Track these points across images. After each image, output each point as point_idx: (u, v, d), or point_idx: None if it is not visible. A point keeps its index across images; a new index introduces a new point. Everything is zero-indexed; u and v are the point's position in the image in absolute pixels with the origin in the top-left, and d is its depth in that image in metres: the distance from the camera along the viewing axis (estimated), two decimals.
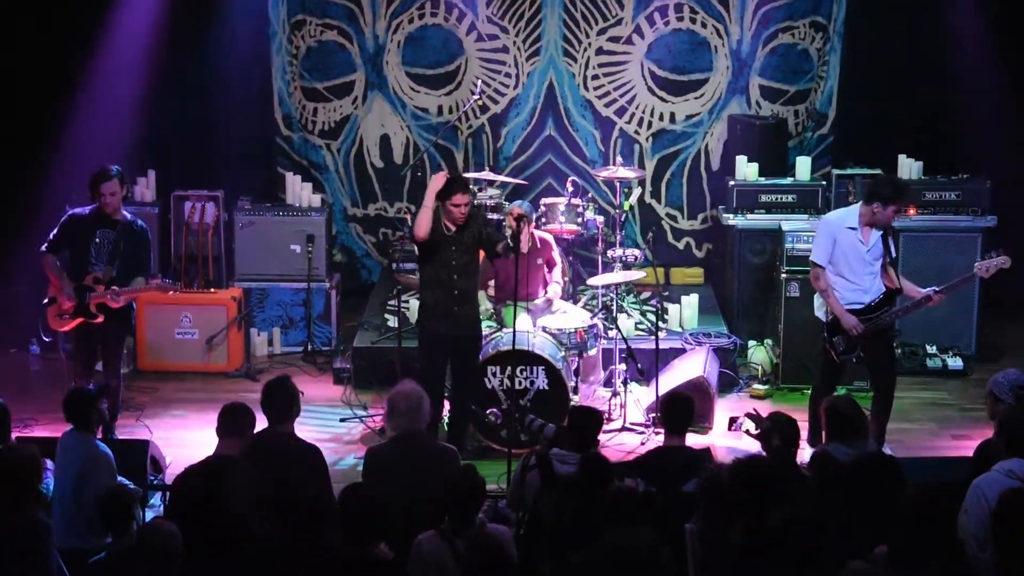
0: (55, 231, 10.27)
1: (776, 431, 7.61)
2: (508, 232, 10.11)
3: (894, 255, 9.91)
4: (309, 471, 7.90)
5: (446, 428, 10.16)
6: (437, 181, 9.65)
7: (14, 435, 8.72)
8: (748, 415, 7.82)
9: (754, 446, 7.94)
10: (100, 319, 10.10)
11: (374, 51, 13.67)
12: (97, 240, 10.14)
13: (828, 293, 9.79)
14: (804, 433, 8.69)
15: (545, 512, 7.28)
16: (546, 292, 11.19)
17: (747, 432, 7.69)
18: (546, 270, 11.27)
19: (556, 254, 11.34)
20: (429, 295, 9.89)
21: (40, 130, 12.90)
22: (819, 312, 9.93)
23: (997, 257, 9.76)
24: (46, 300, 10.26)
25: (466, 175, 11.92)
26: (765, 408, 9.53)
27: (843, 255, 9.78)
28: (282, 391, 8.16)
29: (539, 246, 11.13)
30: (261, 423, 8.13)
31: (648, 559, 5.96)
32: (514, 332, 9.75)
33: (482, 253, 10.06)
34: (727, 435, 9.35)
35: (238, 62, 13.41)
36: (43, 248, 10.24)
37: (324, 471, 8.05)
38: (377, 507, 6.69)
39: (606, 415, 10.81)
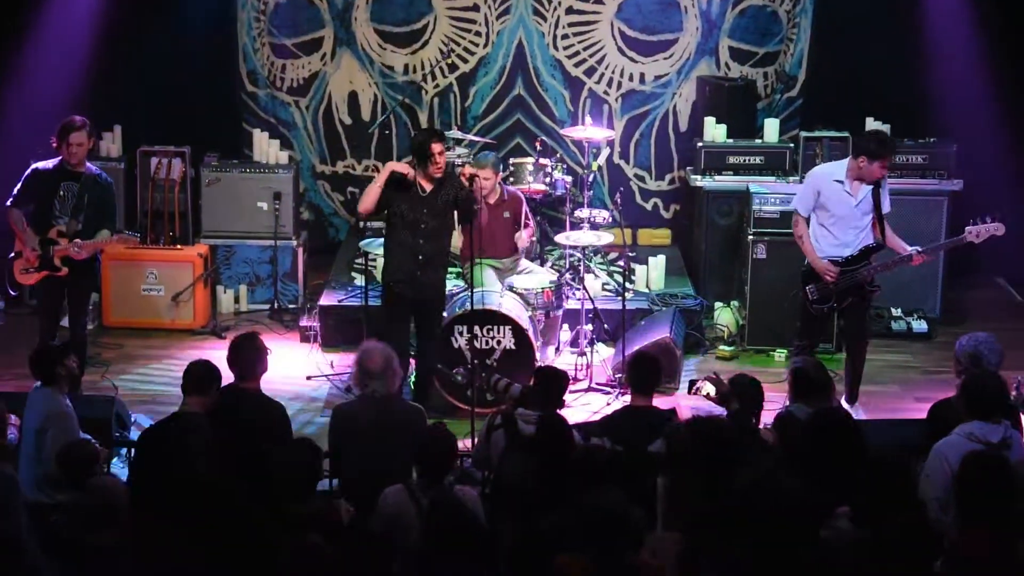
0: (19, 185, 10.21)
1: (735, 395, 7.64)
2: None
3: (887, 210, 9.93)
4: (272, 427, 7.91)
5: (411, 387, 10.16)
6: (391, 167, 9.73)
7: None
8: (708, 379, 7.85)
9: (717, 408, 7.98)
10: (64, 272, 10.06)
11: (343, 7, 13.57)
12: (61, 193, 10.08)
13: (803, 240, 9.87)
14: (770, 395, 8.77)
15: (510, 471, 7.29)
16: (516, 250, 11.15)
17: (707, 396, 7.72)
18: (517, 228, 11.20)
19: (526, 211, 11.26)
20: (393, 258, 9.89)
21: (1, 85, 12.79)
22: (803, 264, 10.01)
23: (991, 223, 9.76)
24: (12, 254, 10.20)
25: None
26: (730, 370, 9.59)
27: (828, 207, 9.82)
28: (250, 347, 8.17)
29: (506, 199, 11.11)
30: (227, 380, 8.13)
31: (618, 519, 5.97)
32: (472, 290, 9.77)
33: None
34: (689, 398, 9.37)
35: (204, 17, 13.31)
36: (7, 203, 10.18)
37: (287, 428, 8.06)
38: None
39: (572, 375, 10.84)
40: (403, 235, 9.79)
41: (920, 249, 9.85)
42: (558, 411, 7.76)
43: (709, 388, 7.67)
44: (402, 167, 9.80)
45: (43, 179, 10.13)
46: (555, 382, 7.97)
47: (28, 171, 10.29)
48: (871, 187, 9.80)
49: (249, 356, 8.15)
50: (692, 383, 7.97)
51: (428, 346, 10.07)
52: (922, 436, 7.86)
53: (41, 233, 10.06)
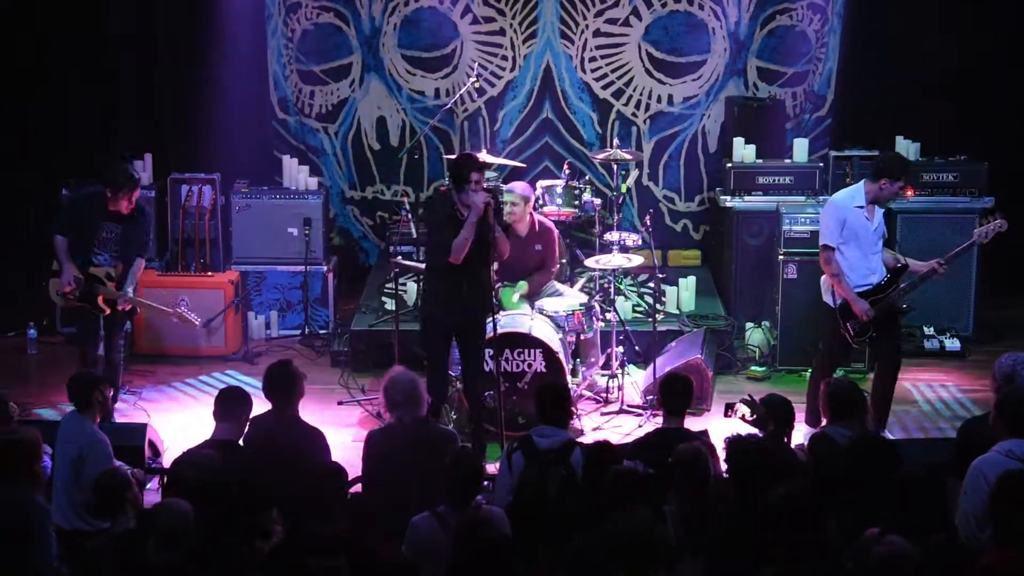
0: (63, 215, 10.31)
1: (771, 416, 7.61)
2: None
3: (885, 234, 9.93)
4: (313, 454, 7.91)
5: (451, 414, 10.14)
6: (476, 208, 9.26)
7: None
8: (743, 401, 7.82)
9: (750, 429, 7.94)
10: (106, 312, 10.10)
11: (370, 33, 13.64)
12: (104, 234, 10.12)
13: (840, 278, 9.72)
14: (800, 415, 8.74)
15: (527, 486, 7.32)
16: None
17: (743, 418, 7.69)
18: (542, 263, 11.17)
19: (557, 247, 11.17)
20: (436, 284, 9.61)
21: (34, 114, 12.88)
22: (826, 296, 9.87)
23: (994, 221, 9.78)
24: (52, 272, 10.28)
25: None
26: (762, 391, 9.54)
27: (853, 236, 9.77)
28: (283, 375, 8.16)
29: (537, 230, 11.09)
30: (259, 407, 8.14)
31: (648, 540, 5.96)
32: (493, 316, 9.72)
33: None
34: (724, 421, 9.36)
35: (234, 45, 13.37)
36: (56, 231, 10.16)
37: (327, 454, 8.06)
38: None
39: (604, 396, 10.84)
40: (448, 262, 9.41)
41: (941, 260, 9.79)
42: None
43: (745, 410, 7.64)
44: (480, 203, 9.32)
45: (86, 214, 10.15)
46: (549, 394, 8.00)
47: (69, 202, 10.29)
48: (883, 211, 9.79)
49: (283, 384, 8.14)
50: (729, 406, 7.95)
51: (472, 369, 9.84)
52: (955, 454, 7.81)
53: (82, 266, 10.05)
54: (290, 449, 7.83)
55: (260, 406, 8.18)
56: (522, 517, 6.78)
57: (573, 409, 10.29)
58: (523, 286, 10.92)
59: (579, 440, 8.06)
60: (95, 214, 10.12)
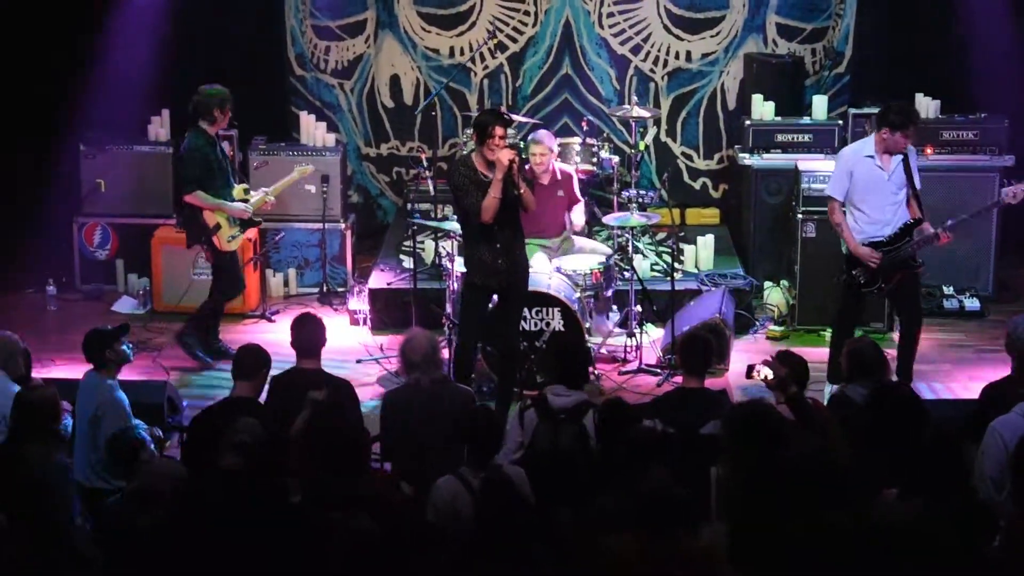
0: (191, 167, 10.70)
1: (793, 377, 7.60)
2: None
3: (919, 186, 9.85)
4: (343, 404, 7.94)
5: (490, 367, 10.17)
6: (501, 165, 9.08)
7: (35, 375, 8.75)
8: (765, 362, 7.80)
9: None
10: (261, 223, 11.12)
11: None
12: (224, 161, 10.80)
13: (842, 227, 9.79)
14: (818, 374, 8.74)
15: (541, 442, 7.33)
16: (568, 228, 11.10)
17: (764, 379, 7.68)
18: (567, 207, 11.18)
19: (577, 189, 11.24)
20: (475, 250, 9.47)
21: (49, 74, 12.84)
22: (844, 247, 9.92)
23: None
24: (211, 227, 10.68)
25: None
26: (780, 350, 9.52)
27: (863, 186, 9.75)
28: (311, 325, 8.32)
29: (559, 178, 11.09)
30: (278, 365, 8.17)
31: (668, 500, 5.96)
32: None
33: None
34: (745, 380, 9.36)
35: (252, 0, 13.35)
36: (192, 188, 10.66)
37: (357, 405, 8.11)
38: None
39: (623, 356, 10.84)
40: (481, 226, 9.32)
41: (945, 226, 9.74)
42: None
43: (767, 371, 7.63)
44: (504, 160, 9.12)
45: (206, 154, 10.63)
46: (568, 351, 8.05)
47: (185, 155, 10.80)
48: (901, 160, 9.73)
49: (312, 333, 8.26)
50: (751, 367, 7.95)
51: (512, 329, 9.77)
52: (973, 417, 7.79)
53: (230, 198, 10.71)
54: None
55: (278, 365, 8.22)
56: (535, 474, 6.79)
57: (592, 370, 10.33)
58: (571, 229, 11.08)
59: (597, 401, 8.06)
60: (210, 150, 10.66)
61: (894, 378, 9.44)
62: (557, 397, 7.73)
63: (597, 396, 8.58)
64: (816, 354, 10.18)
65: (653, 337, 11.11)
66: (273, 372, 8.14)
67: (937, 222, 9.89)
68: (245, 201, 10.86)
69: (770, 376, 7.58)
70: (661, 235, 12.90)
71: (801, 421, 7.21)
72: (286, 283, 12.59)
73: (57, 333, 11.37)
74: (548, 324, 10.27)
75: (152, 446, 7.84)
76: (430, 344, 8.00)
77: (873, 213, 9.76)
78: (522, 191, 9.23)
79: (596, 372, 10.48)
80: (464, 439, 7.11)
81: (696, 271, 12.22)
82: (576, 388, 7.86)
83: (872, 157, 9.74)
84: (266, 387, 8.11)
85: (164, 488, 6.56)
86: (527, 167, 10.71)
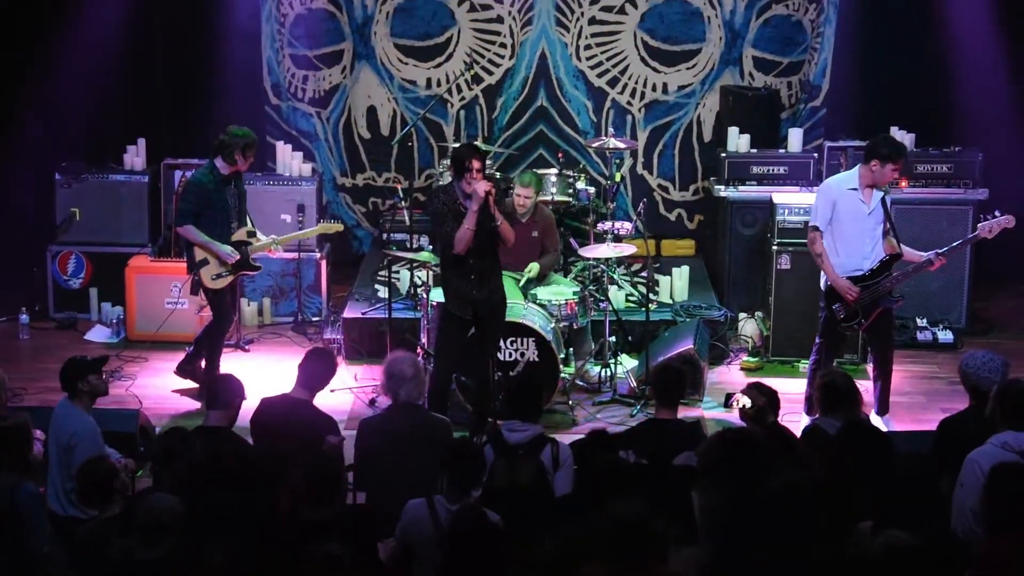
0: (184, 203, 10.57)
1: (771, 407, 7.60)
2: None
3: (891, 222, 9.91)
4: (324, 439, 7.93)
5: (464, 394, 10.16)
6: (478, 197, 9.15)
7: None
8: (744, 391, 7.81)
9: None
10: (259, 268, 11.01)
11: (362, 21, 13.58)
12: (230, 201, 10.56)
13: (823, 258, 9.82)
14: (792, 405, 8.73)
15: (499, 479, 7.31)
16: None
17: (742, 409, 7.68)
18: (542, 250, 11.18)
19: (556, 237, 11.29)
20: (450, 279, 9.52)
21: (25, 101, 12.80)
22: (822, 280, 9.94)
23: (1001, 216, 9.81)
24: (197, 261, 10.47)
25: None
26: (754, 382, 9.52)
27: (845, 219, 9.80)
28: (327, 363, 8.34)
29: (537, 219, 11.11)
30: (252, 394, 8.14)
31: (641, 529, 5.94)
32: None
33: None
34: (724, 411, 9.38)
35: (229, 30, 13.33)
36: (182, 222, 10.52)
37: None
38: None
39: (596, 385, 10.84)
40: (455, 256, 9.37)
41: (939, 252, 9.82)
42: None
43: (746, 401, 7.64)
44: (481, 191, 9.19)
45: (208, 191, 10.42)
46: (525, 391, 8.04)
47: (186, 186, 10.73)
48: (881, 196, 9.79)
49: (323, 371, 8.28)
50: (729, 396, 7.94)
51: (487, 360, 9.69)
52: (933, 450, 7.81)
53: (224, 239, 10.46)
54: (303, 432, 7.88)
55: (252, 398, 8.19)
56: (494, 509, 6.77)
57: (569, 403, 10.34)
58: (535, 267, 10.96)
59: (552, 435, 8.05)
60: (217, 188, 10.46)
61: (870, 411, 9.49)
62: (512, 432, 7.72)
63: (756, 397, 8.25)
64: (790, 385, 10.21)
65: (627, 367, 11.11)
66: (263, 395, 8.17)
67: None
68: (248, 244, 10.68)
69: (748, 405, 7.58)
70: (636, 266, 12.92)
71: (782, 450, 7.21)
72: (260, 312, 12.56)
73: (29, 362, 11.31)
74: (523, 354, 10.26)
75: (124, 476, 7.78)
76: (416, 363, 8.07)
77: (854, 246, 9.80)
78: (499, 223, 9.24)
79: (570, 401, 10.48)
80: (445, 469, 7.08)
81: (671, 302, 12.24)
82: (533, 422, 7.86)
83: (856, 191, 9.79)
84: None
85: (170, 522, 6.46)
86: (508, 199, 10.74)
